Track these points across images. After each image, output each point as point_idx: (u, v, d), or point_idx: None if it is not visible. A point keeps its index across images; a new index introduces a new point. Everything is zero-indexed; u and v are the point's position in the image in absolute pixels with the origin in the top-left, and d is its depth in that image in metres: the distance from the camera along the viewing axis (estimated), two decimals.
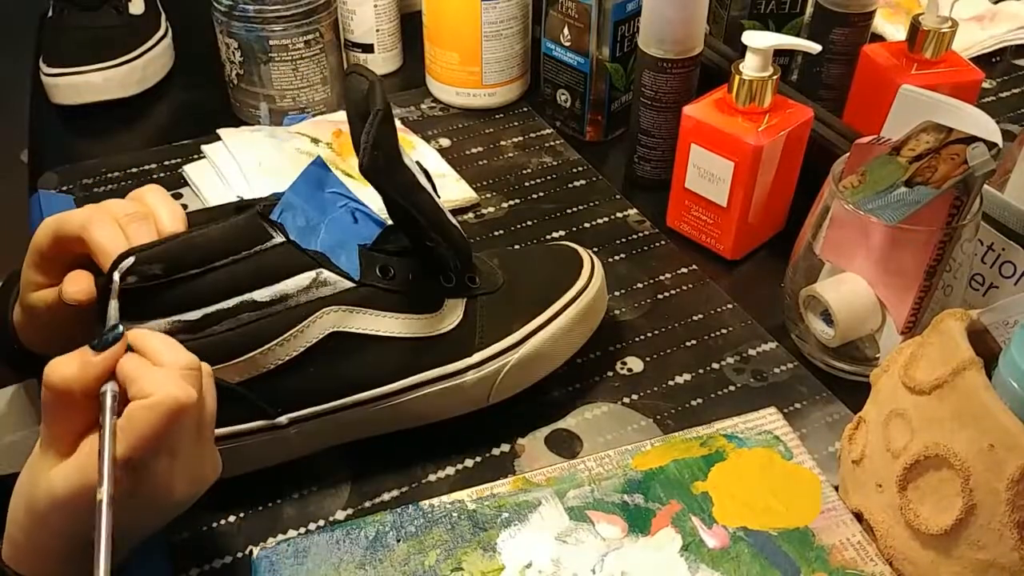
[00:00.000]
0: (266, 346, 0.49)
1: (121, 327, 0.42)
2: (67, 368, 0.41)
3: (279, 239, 0.49)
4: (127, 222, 0.48)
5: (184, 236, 0.47)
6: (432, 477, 0.54)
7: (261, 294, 0.48)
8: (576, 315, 0.58)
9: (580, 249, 0.62)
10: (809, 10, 0.79)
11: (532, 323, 0.56)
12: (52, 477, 0.40)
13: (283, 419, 0.51)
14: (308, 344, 0.50)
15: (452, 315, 0.54)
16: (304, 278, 0.49)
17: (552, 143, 0.84)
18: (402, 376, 0.53)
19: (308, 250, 0.50)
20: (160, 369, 0.41)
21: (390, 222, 0.54)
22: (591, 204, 0.76)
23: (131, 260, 0.45)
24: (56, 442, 0.41)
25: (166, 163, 0.80)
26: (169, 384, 0.40)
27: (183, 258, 0.46)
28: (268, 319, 0.49)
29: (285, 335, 0.49)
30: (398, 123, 0.84)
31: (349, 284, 0.51)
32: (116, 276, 0.45)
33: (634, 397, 0.59)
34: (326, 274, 0.50)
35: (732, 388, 0.60)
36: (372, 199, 0.53)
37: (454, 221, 0.54)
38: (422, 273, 0.54)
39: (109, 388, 0.41)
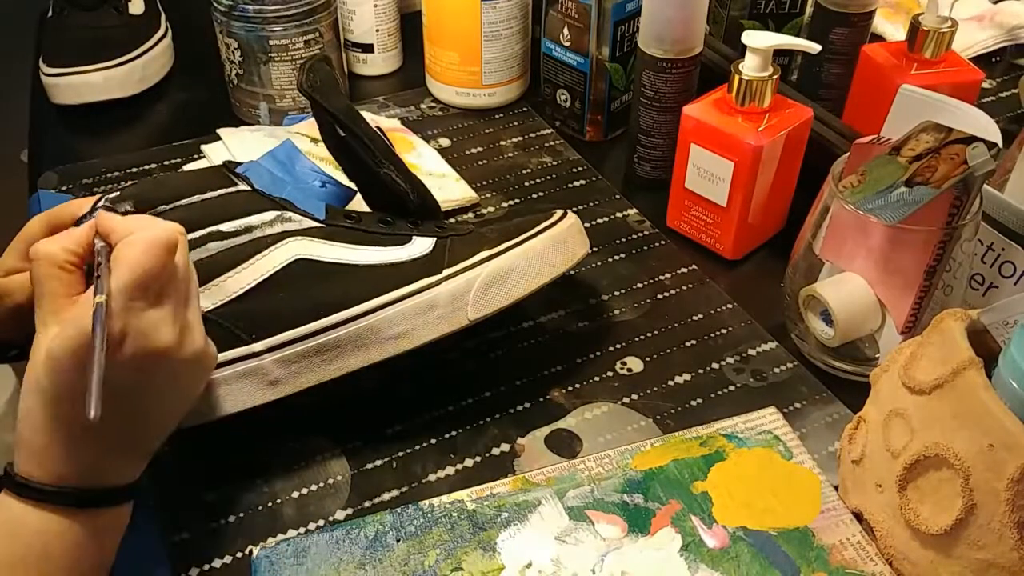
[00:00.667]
0: (233, 271, 0.50)
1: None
2: (52, 242, 0.44)
3: (244, 187, 0.52)
4: None
5: (154, 177, 0.49)
6: (432, 477, 0.54)
7: (227, 225, 0.51)
8: (546, 239, 0.58)
9: (554, 207, 0.62)
10: (809, 10, 0.79)
11: (501, 246, 0.56)
12: (49, 344, 0.41)
13: (258, 345, 0.51)
14: (274, 268, 0.51)
15: (419, 248, 0.55)
16: (269, 214, 0.52)
17: (552, 143, 0.84)
18: (372, 296, 0.53)
19: (273, 196, 0.52)
20: (140, 220, 0.45)
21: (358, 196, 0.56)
22: (591, 204, 0.76)
23: (108, 197, 0.48)
24: (48, 317, 0.42)
25: (166, 163, 0.80)
26: (153, 225, 0.44)
27: (153, 196, 0.49)
28: (234, 248, 0.51)
29: (251, 259, 0.51)
30: (397, 123, 0.85)
31: (314, 224, 0.53)
32: (100, 206, 0.49)
33: (634, 397, 0.59)
34: (290, 213, 0.52)
35: (732, 388, 0.60)
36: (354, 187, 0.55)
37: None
38: (386, 220, 0.55)
39: (98, 242, 0.44)
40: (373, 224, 0.55)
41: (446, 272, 0.54)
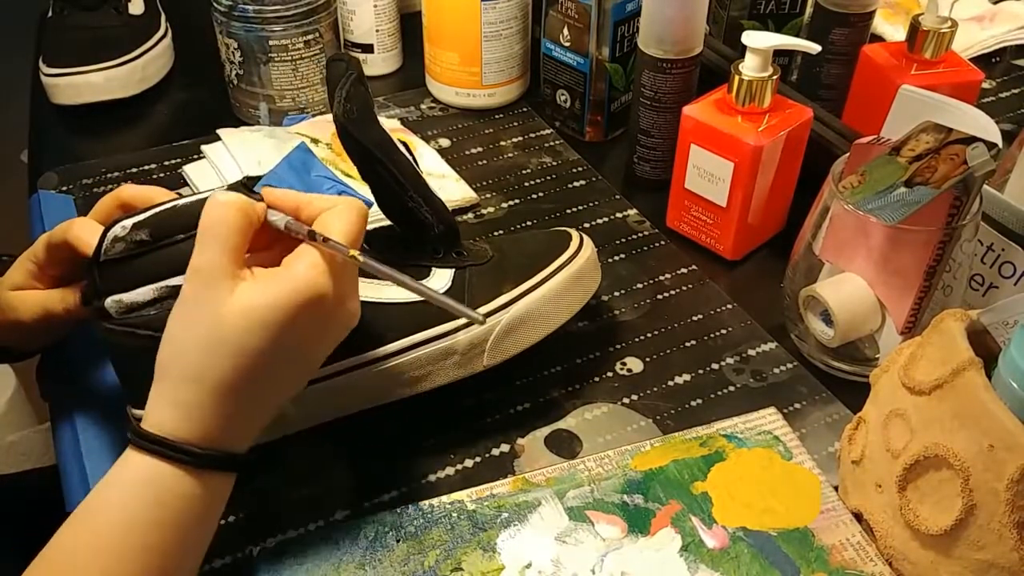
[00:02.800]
0: None
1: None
2: (248, 200, 0.44)
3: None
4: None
5: (170, 204, 0.47)
6: (432, 477, 0.54)
7: None
8: (566, 279, 0.58)
9: (569, 229, 0.62)
10: (809, 10, 0.79)
11: (521, 287, 0.56)
12: (257, 301, 0.41)
13: None
14: None
15: (440, 282, 0.54)
16: None
17: (552, 143, 0.84)
18: (392, 339, 0.53)
19: None
20: (320, 196, 0.47)
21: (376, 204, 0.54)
22: (591, 204, 0.76)
23: (121, 224, 0.46)
24: (231, 267, 0.42)
25: (166, 163, 0.80)
26: (344, 198, 0.46)
27: (169, 224, 0.47)
28: None
29: None
30: (397, 123, 0.85)
31: None
32: (113, 232, 0.46)
33: (634, 397, 0.59)
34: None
35: (732, 388, 0.60)
36: (367, 194, 0.54)
37: (437, 195, 0.55)
38: (408, 244, 0.54)
39: (280, 215, 0.45)
40: (391, 252, 0.54)
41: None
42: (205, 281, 0.42)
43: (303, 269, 0.43)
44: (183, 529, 0.42)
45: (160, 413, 0.42)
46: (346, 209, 0.45)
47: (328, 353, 0.47)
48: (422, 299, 0.53)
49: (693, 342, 0.63)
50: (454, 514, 0.50)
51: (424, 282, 0.54)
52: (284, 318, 0.42)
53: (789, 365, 0.62)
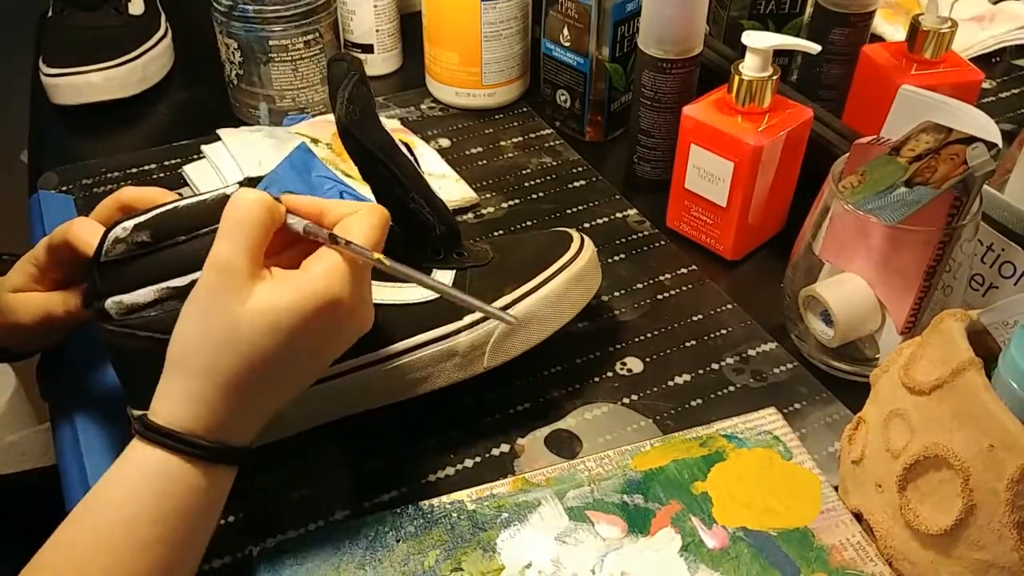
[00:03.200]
0: None
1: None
2: (270, 198, 0.44)
3: None
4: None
5: (171, 205, 0.47)
6: (432, 477, 0.54)
7: None
8: (566, 280, 0.58)
9: (569, 230, 0.62)
10: (809, 10, 0.79)
11: (521, 288, 0.56)
12: (275, 303, 0.42)
13: None
14: None
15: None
16: None
17: (552, 143, 0.84)
18: (392, 340, 0.53)
19: None
20: (340, 202, 0.47)
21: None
22: (591, 204, 0.76)
23: (122, 226, 0.46)
24: (251, 265, 0.42)
25: (166, 163, 0.80)
26: (361, 203, 0.46)
27: (170, 226, 0.47)
28: None
29: None
30: (397, 123, 0.85)
31: None
32: (114, 233, 0.46)
33: (634, 397, 0.59)
34: None
35: (732, 388, 0.60)
36: (367, 194, 0.54)
37: (439, 196, 0.55)
38: (409, 245, 0.54)
39: (298, 219, 0.45)
40: (392, 253, 0.54)
41: (467, 320, 0.54)
42: (224, 277, 0.42)
43: (321, 272, 0.43)
44: (188, 520, 0.42)
45: (170, 406, 0.42)
46: (367, 214, 0.45)
47: (338, 356, 0.47)
48: (422, 302, 0.53)
49: (693, 342, 0.63)
50: (454, 514, 0.50)
51: None
52: (300, 321, 0.42)
53: (789, 365, 0.62)
